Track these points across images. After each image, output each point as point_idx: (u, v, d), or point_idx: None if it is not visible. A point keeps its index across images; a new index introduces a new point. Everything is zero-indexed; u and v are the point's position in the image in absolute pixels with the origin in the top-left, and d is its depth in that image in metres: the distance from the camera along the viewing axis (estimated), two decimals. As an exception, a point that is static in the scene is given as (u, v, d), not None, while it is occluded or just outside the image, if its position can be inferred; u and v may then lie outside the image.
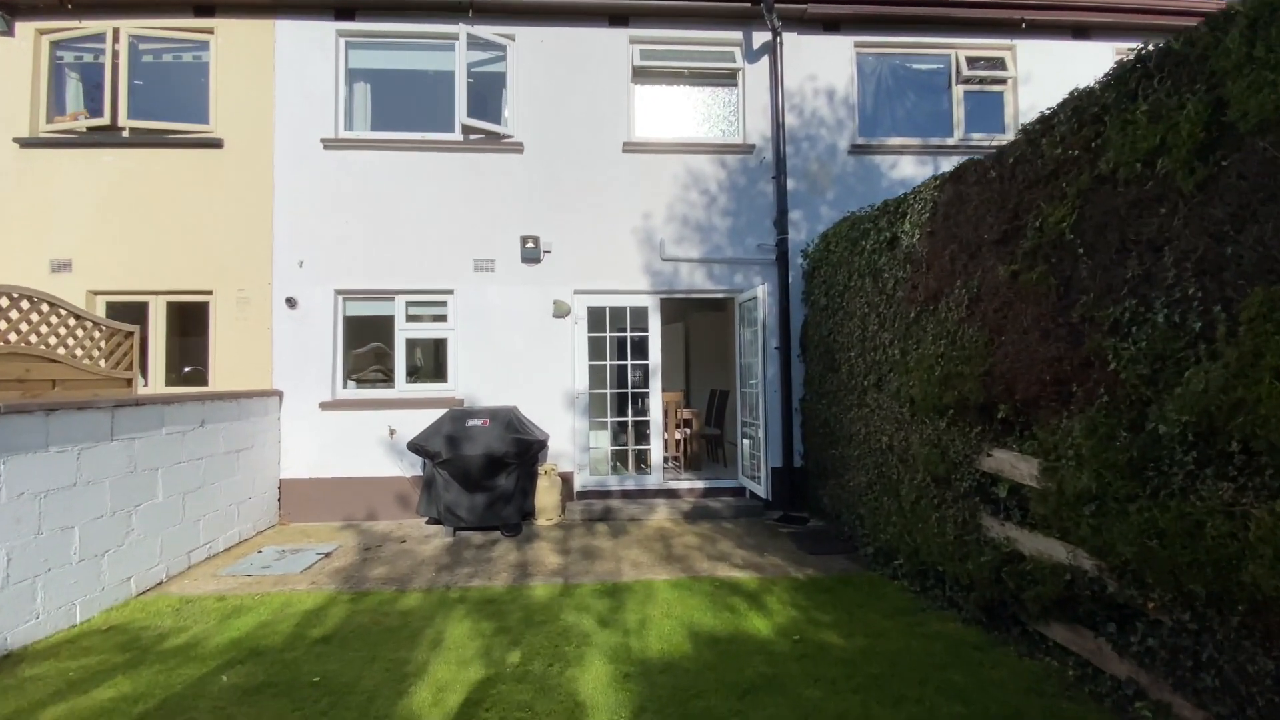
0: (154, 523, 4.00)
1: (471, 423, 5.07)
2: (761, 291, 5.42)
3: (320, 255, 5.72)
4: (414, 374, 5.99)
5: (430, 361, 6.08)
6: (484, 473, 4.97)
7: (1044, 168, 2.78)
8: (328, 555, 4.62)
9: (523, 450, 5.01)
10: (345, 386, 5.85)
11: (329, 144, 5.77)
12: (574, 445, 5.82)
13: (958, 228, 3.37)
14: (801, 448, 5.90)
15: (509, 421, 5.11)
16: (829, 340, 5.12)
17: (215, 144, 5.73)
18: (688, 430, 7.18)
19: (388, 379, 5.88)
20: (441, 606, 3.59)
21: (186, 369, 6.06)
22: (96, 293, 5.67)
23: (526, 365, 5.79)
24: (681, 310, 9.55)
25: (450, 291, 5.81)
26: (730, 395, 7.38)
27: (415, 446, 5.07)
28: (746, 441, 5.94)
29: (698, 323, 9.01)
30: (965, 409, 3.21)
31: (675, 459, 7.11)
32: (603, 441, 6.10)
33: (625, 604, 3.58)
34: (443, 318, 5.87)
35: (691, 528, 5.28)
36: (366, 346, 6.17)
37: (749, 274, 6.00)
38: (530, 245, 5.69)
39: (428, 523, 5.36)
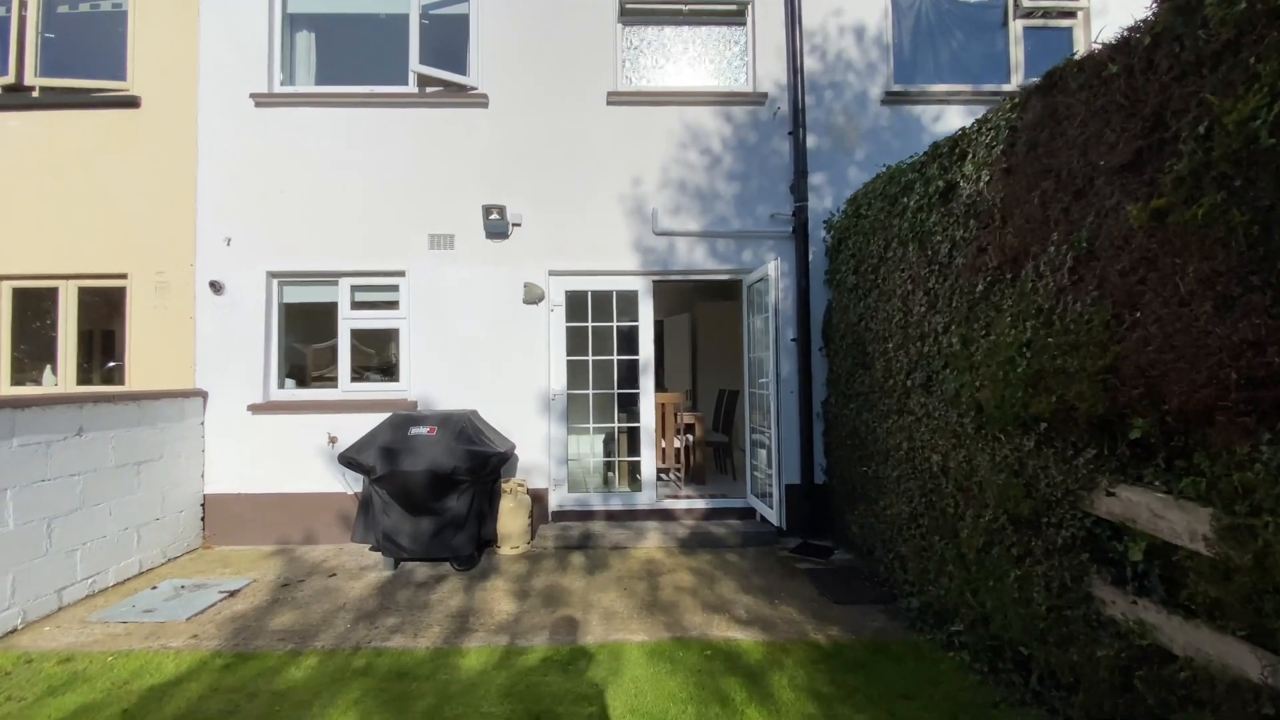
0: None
1: (415, 431, 4.20)
2: (773, 269, 4.43)
3: (251, 232, 4.91)
4: (361, 372, 5.15)
5: (380, 357, 5.24)
6: (429, 492, 4.09)
7: (1208, 42, 1.76)
8: (233, 594, 3.79)
9: (478, 465, 4.12)
10: (283, 386, 5.04)
11: (262, 101, 4.95)
12: (549, 457, 4.92)
13: (1052, 157, 2.34)
14: (824, 461, 4.90)
15: (461, 429, 4.22)
16: (859, 329, 4.10)
17: (132, 103, 4.96)
18: (690, 437, 6.21)
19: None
20: (335, 682, 2.70)
21: (110, 364, 5.33)
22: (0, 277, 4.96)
23: (492, 361, 4.90)
24: (687, 299, 8.58)
25: (402, 274, 4.95)
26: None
27: (347, 459, 4.22)
28: (759, 453, 4.96)
29: (707, 313, 8.04)
30: (1068, 422, 2.19)
31: (674, 471, 6.15)
32: (584, 452, 5.18)
33: (579, 686, 2.64)
34: (394, 304, 5.01)
35: (687, 560, 4.32)
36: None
37: (760, 250, 5.01)
38: (495, 217, 4.79)
39: (371, 549, 4.51)
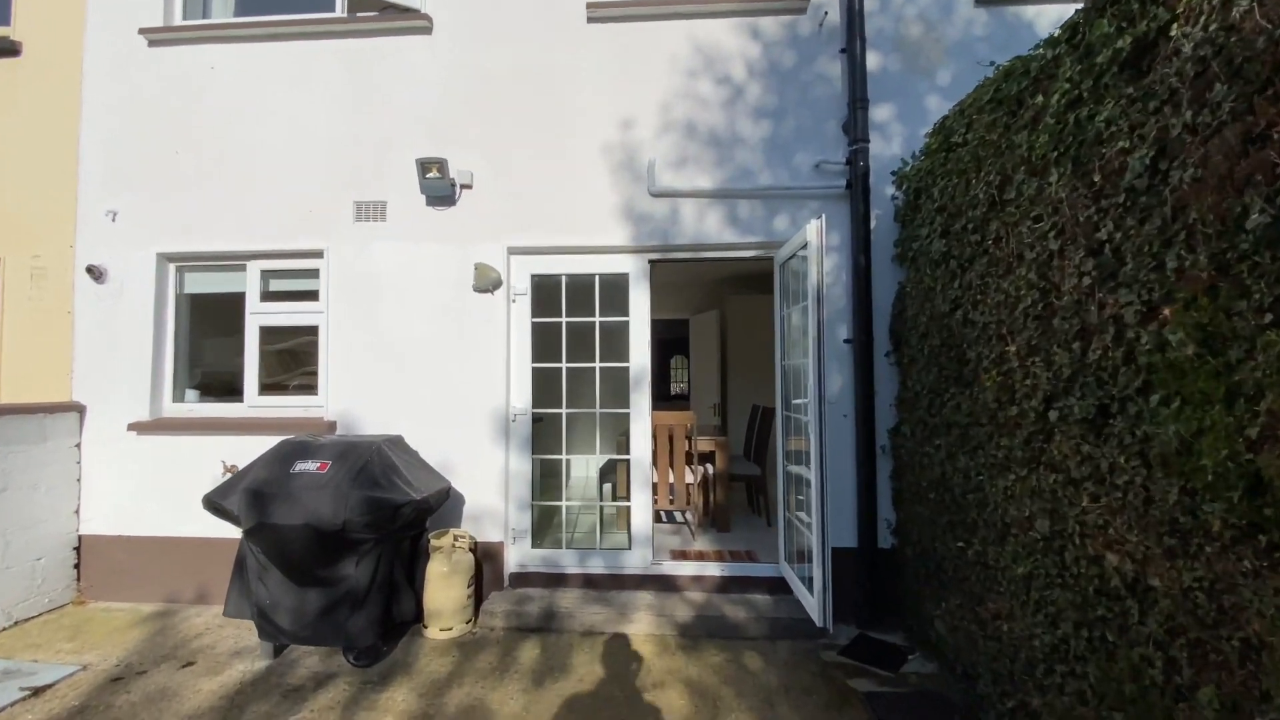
0: None
1: (301, 467, 3.07)
2: (814, 231, 3.03)
3: (140, 205, 3.96)
4: (274, 382, 4.11)
5: (300, 363, 4.19)
6: (312, 555, 2.95)
7: None
8: (38, 693, 2.77)
9: (381, 518, 2.94)
10: (182, 399, 4.06)
11: (156, 38, 4.01)
12: (505, 498, 3.70)
13: None
14: (893, 516, 3.47)
15: (364, 466, 3.06)
16: (951, 323, 2.68)
17: (11, 50, 4.14)
18: (709, 468, 4.86)
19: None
20: None
21: None
22: None
23: (433, 369, 3.75)
24: (715, 293, 7.22)
25: (320, 254, 3.87)
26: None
27: (211, 504, 3.14)
28: (797, 498, 3.57)
29: (738, 310, 6.65)
30: None
31: (689, 513, 4.81)
32: (554, 492, 3.93)
33: None
34: (311, 295, 3.94)
35: (687, 661, 3.00)
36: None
37: (800, 215, 3.63)
38: (434, 175, 3.64)
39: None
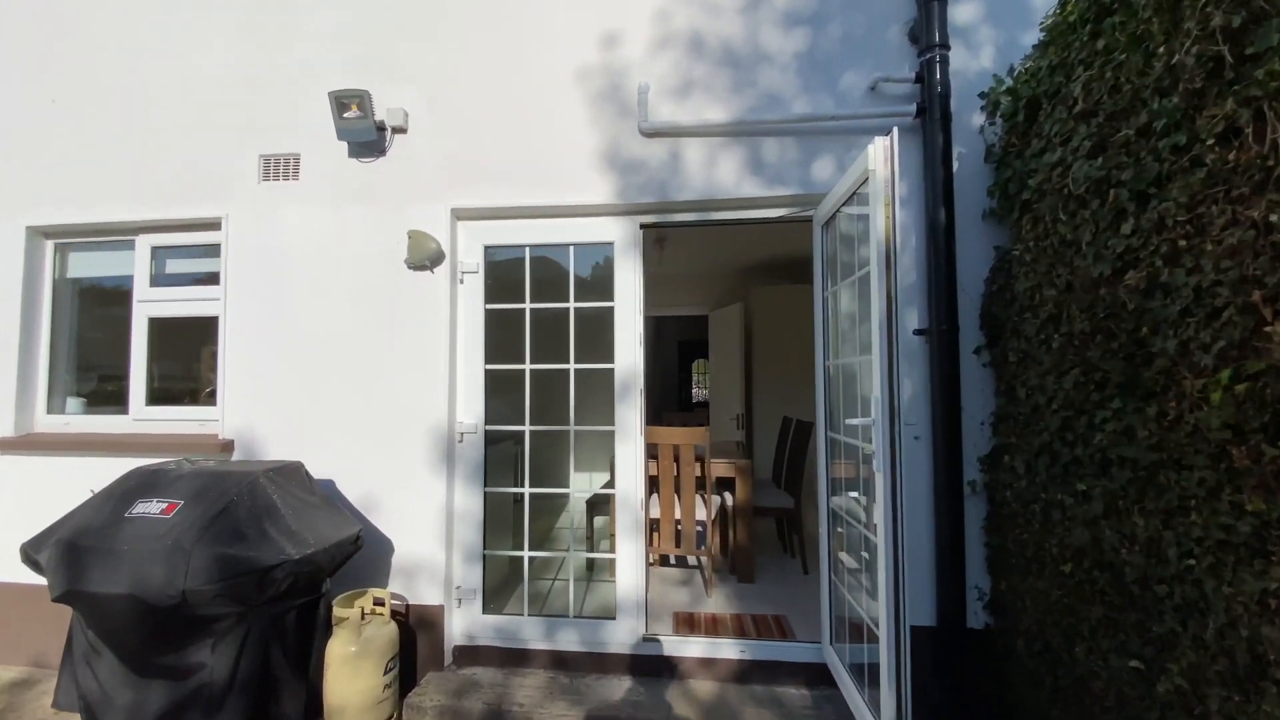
0: None
1: (141, 508, 2.21)
2: (879, 156, 2.00)
3: (7, 168, 3.21)
4: (163, 390, 3.28)
5: (203, 363, 3.36)
6: (146, 637, 2.09)
7: None
8: None
9: (242, 586, 2.06)
10: (60, 410, 3.28)
11: (31, -39, 3.27)
12: (448, 545, 2.79)
13: None
14: (988, 582, 2.43)
15: (224, 510, 2.17)
16: (1114, 294, 1.64)
17: (-127, -14, 3.45)
18: (727, 498, 3.88)
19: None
20: None
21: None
22: None
23: (353, 373, 2.86)
24: (738, 283, 6.21)
25: (217, 225, 3.04)
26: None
27: (26, 556, 2.30)
28: (840, 553, 2.56)
29: (766, 303, 5.63)
30: None
31: (702, 556, 3.82)
32: (514, 538, 2.99)
33: None
34: (211, 279, 3.11)
35: (681, 812, 2.02)
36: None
37: (847, 155, 2.63)
38: (355, 115, 2.76)
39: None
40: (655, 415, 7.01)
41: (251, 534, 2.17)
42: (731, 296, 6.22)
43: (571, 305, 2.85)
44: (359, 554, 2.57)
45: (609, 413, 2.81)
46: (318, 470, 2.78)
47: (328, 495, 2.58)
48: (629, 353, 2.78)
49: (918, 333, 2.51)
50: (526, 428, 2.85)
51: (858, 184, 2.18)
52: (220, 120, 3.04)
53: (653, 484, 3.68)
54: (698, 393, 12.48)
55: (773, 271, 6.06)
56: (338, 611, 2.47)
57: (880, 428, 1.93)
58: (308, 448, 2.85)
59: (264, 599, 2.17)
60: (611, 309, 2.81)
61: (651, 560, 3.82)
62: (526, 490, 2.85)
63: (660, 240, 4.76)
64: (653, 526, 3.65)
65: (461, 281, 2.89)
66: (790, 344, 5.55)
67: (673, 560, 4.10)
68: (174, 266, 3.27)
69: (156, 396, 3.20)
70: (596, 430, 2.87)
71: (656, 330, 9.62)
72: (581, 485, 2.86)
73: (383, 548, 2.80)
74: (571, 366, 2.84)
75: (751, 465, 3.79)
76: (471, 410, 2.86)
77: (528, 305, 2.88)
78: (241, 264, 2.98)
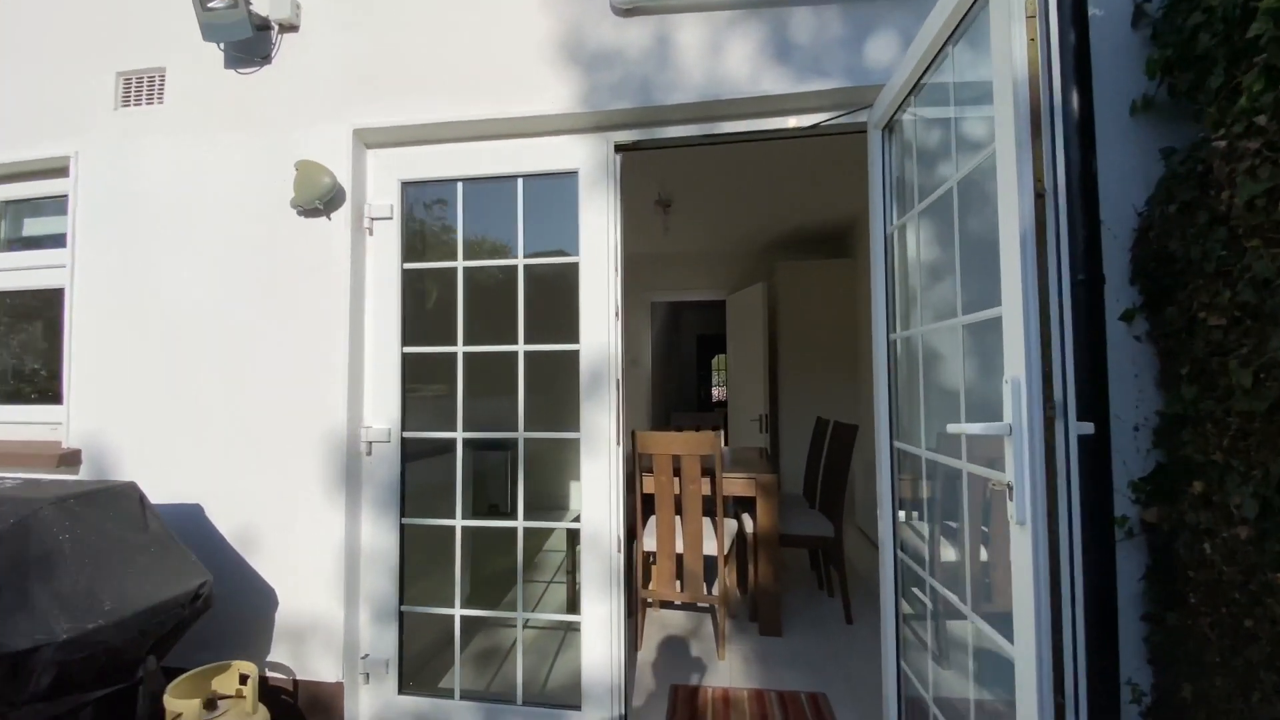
0: None
1: None
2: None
3: None
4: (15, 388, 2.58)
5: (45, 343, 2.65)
6: None
7: None
8: None
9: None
10: (-104, 410, 2.61)
11: None
12: (349, 600, 2.00)
13: None
14: (1147, 679, 1.54)
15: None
16: None
17: None
18: (746, 523, 3.03)
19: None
20: None
21: None
22: None
23: (227, 356, 2.11)
24: (760, 260, 5.34)
25: (63, 170, 2.32)
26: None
27: None
28: (927, 611, 1.70)
29: (794, 281, 4.75)
30: None
31: (715, 599, 2.97)
32: (441, 594, 2.17)
33: None
34: (54, 242, 2.39)
35: None
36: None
37: (915, 26, 1.76)
38: (223, 4, 2.01)
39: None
40: (664, 417, 6.17)
41: (3, 600, 1.42)
42: (752, 275, 5.35)
43: (520, 262, 2.04)
44: (230, 611, 1.82)
45: (572, 414, 1.99)
46: (185, 491, 2.05)
47: (168, 533, 1.82)
48: (600, 329, 1.96)
49: (1081, 281, 1.64)
50: (459, 434, 2.05)
51: (953, 25, 1.32)
52: (70, 31, 2.32)
53: (647, 505, 2.85)
54: (718, 392, 11.58)
55: (802, 245, 5.18)
56: (171, 704, 1.71)
57: (1025, 435, 1.07)
58: (173, 459, 2.11)
59: (21, 698, 1.41)
60: (575, 266, 1.99)
61: (650, 602, 3.00)
62: (458, 523, 2.04)
63: (663, 203, 3.93)
64: (646, 561, 2.83)
65: (370, 232, 2.11)
66: (824, 329, 4.67)
67: (678, 601, 3.27)
68: (34, 228, 2.58)
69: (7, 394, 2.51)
70: (554, 438, 2.06)
71: (673, 322, 8.77)
72: (538, 514, 2.05)
73: (263, 602, 2.04)
74: (520, 349, 2.03)
75: (778, 480, 2.92)
76: (384, 411, 2.07)
77: (460, 263, 2.08)
78: (92, 216, 2.25)
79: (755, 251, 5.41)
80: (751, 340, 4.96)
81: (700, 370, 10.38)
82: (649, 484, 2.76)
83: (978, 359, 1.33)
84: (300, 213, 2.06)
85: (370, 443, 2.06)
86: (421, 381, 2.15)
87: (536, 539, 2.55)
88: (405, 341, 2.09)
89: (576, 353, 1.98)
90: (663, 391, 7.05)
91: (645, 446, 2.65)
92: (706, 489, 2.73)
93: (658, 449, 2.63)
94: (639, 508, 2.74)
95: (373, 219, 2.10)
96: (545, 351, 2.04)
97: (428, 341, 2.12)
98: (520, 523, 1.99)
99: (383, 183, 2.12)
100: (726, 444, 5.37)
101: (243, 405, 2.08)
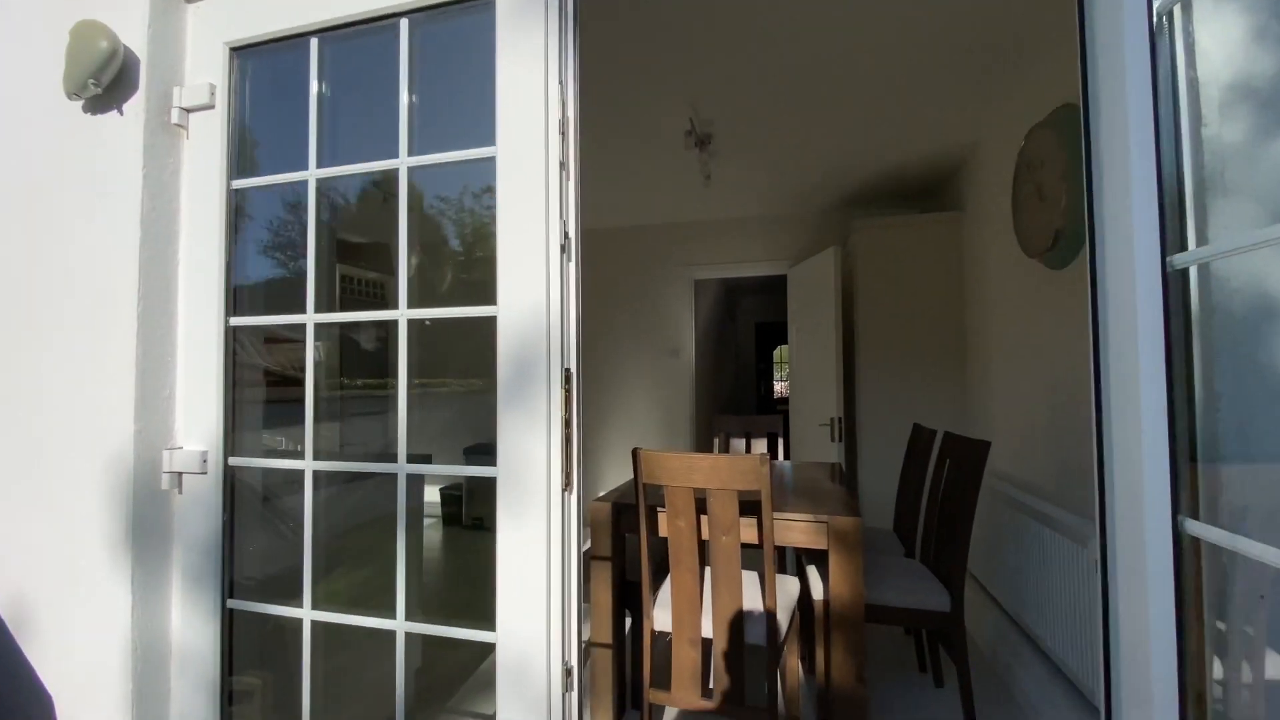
0: None
1: None
2: None
3: None
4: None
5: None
6: None
7: None
8: None
9: None
10: None
11: None
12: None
13: None
14: None
15: None
16: None
17: None
18: (814, 584, 2.05)
19: None
20: None
21: None
22: None
23: (-5, 337, 1.38)
24: (834, 218, 4.27)
25: None
26: (990, 454, 2.02)
27: None
28: None
29: (878, 244, 3.66)
30: None
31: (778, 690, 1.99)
32: (285, 712, 1.34)
33: None
34: None
35: None
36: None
37: None
38: None
39: None
40: (705, 425, 5.20)
41: None
42: (820, 241, 4.29)
43: (402, 163, 1.17)
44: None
45: (486, 426, 1.11)
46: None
47: None
48: (532, 278, 1.07)
49: None
50: (307, 464, 1.21)
51: None
52: None
53: (660, 558, 1.94)
54: (781, 388, 10.40)
55: (888, 197, 4.07)
56: None
57: None
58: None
59: None
60: (492, 161, 1.11)
61: (659, 705, 2.08)
62: (306, 613, 1.21)
63: (700, 138, 2.97)
64: (656, 642, 1.91)
65: (185, 132, 1.32)
66: (920, 306, 3.57)
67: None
68: None
69: None
70: (459, 474, 1.18)
71: (726, 306, 7.75)
72: (445, 607, 1.20)
73: (42, 716, 1.30)
74: (401, 314, 1.17)
75: (858, 523, 1.92)
76: (201, 422, 1.27)
77: (311, 174, 1.24)
78: None
79: (824, 208, 4.34)
80: (819, 322, 3.90)
81: (760, 363, 9.28)
82: (663, 523, 1.85)
83: None
84: (72, 95, 1.29)
85: (179, 474, 1.27)
86: (255, 369, 1.34)
87: (441, 650, 1.54)
88: (233, 309, 1.29)
89: (493, 321, 1.10)
90: (710, 389, 6.07)
91: (653, 473, 1.75)
92: (750, 533, 1.79)
93: (671, 478, 1.72)
94: (645, 562, 1.83)
95: (186, 109, 1.31)
96: (444, 321, 1.17)
97: (264, 307, 1.30)
98: (401, 623, 1.14)
99: (203, 52, 1.32)
100: (787, 456, 4.36)
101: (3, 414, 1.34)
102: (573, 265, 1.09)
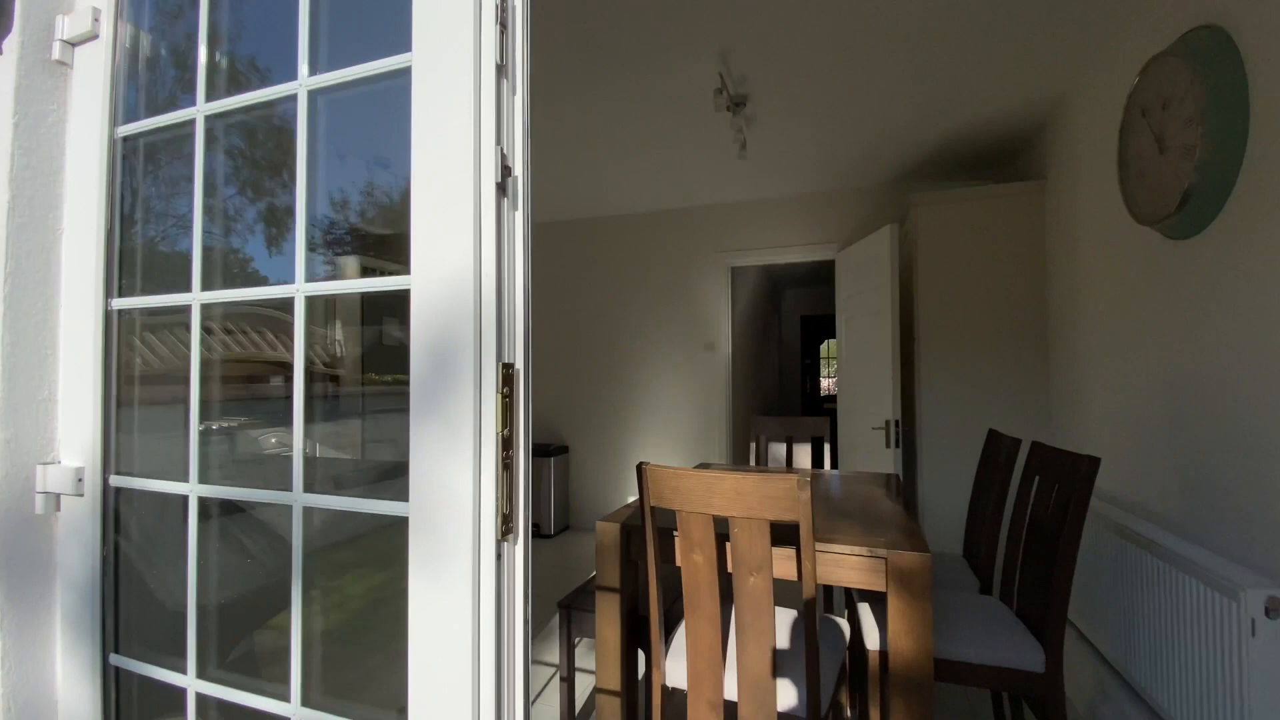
0: None
1: None
2: None
3: None
4: None
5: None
6: None
7: None
8: None
9: None
10: None
11: None
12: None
13: None
14: None
15: None
16: None
17: None
18: (868, 632, 1.66)
19: None
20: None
21: None
22: None
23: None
24: (887, 194, 3.81)
25: None
26: (1100, 470, 1.59)
27: None
28: None
29: (943, 221, 3.19)
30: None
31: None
32: None
33: None
34: None
35: None
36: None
37: None
38: None
39: None
40: (743, 425, 4.80)
41: None
42: (873, 220, 3.82)
43: (301, 86, 0.88)
44: None
45: (400, 437, 0.81)
46: None
47: None
48: (456, 236, 0.75)
49: None
50: (191, 487, 0.95)
51: None
52: None
53: (673, 602, 1.61)
54: (829, 384, 9.80)
55: (953, 167, 3.57)
56: None
57: None
58: None
59: None
60: (408, 74, 0.79)
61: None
62: (191, 682, 0.94)
63: (734, 100, 2.60)
64: (671, 697, 1.58)
65: (69, 68, 1.07)
66: (992, 291, 3.08)
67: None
68: None
69: None
70: (365, 513, 0.88)
71: (768, 298, 7.29)
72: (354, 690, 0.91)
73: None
74: (298, 290, 0.87)
75: (928, 560, 1.52)
76: (77, 431, 1.02)
77: (200, 109, 0.97)
78: None
79: (878, 182, 3.87)
80: (874, 311, 3.45)
81: (805, 359, 8.75)
82: (677, 551, 1.51)
83: None
84: (-64, 38, 1.06)
85: (57, 495, 1.02)
86: (138, 363, 1.07)
87: None
88: (115, 288, 1.03)
89: (405, 296, 0.78)
90: (749, 386, 5.66)
91: (663, 495, 1.41)
92: (785, 567, 1.43)
93: (685, 502, 1.38)
94: (654, 602, 1.50)
95: (69, 42, 1.05)
96: (347, 296, 0.87)
97: (163, 284, 1.04)
98: (295, 708, 0.85)
99: (88, -38, 1.06)
100: (834, 464, 3.93)
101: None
102: (519, 214, 0.77)
